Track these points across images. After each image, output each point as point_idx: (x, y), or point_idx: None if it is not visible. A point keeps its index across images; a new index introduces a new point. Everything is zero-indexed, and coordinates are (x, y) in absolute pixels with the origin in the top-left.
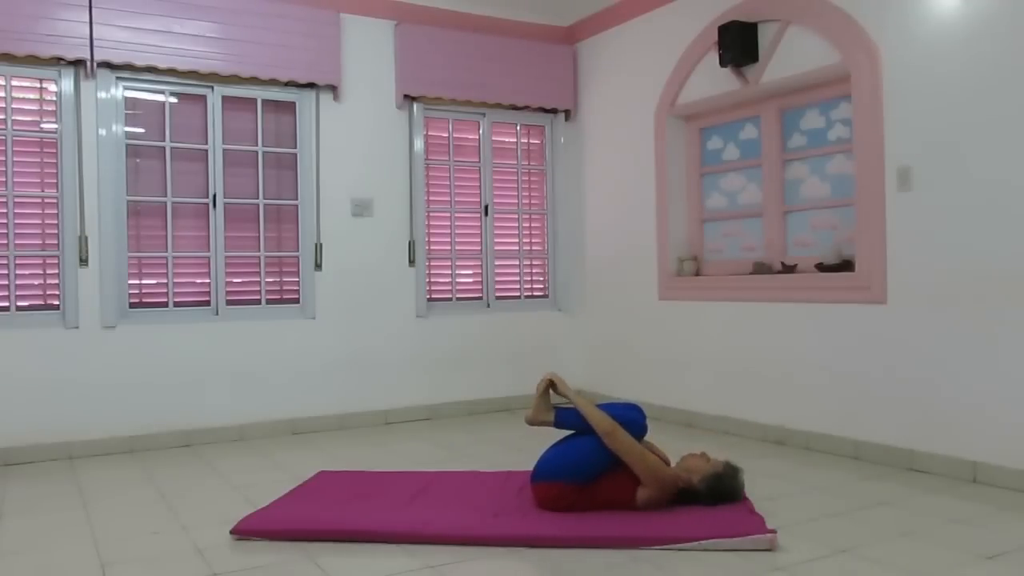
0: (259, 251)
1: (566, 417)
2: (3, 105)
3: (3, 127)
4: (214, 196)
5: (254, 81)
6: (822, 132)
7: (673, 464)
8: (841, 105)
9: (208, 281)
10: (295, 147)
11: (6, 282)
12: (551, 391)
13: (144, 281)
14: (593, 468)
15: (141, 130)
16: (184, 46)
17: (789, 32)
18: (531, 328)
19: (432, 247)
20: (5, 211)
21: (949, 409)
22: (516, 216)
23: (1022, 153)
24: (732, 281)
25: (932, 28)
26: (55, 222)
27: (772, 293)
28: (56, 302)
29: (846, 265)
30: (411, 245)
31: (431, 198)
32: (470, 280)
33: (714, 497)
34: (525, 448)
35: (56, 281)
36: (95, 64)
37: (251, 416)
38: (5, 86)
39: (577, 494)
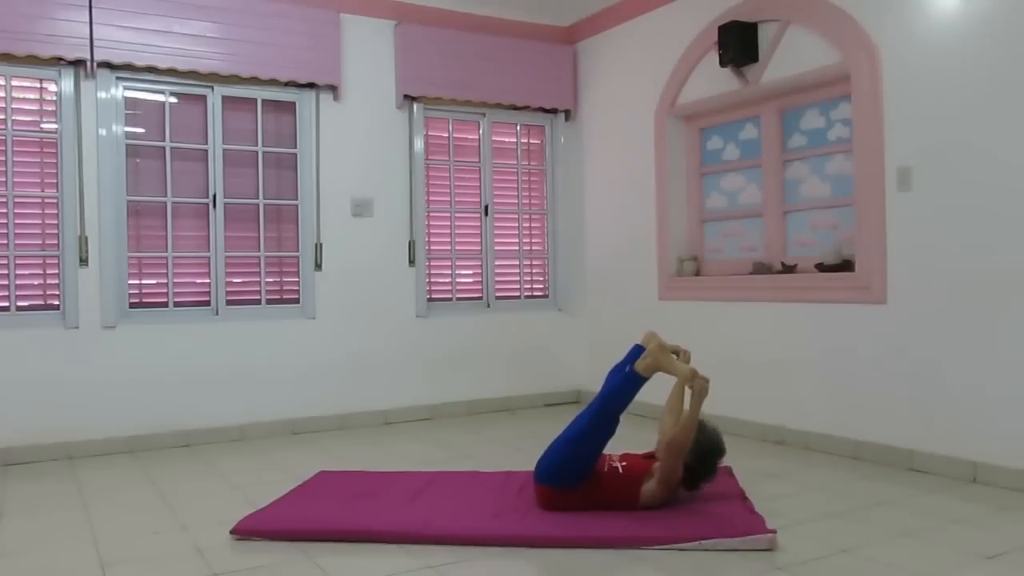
0: (259, 251)
1: (628, 387)
2: (3, 105)
3: (3, 127)
4: (214, 196)
5: (254, 81)
6: (822, 132)
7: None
8: (841, 105)
9: (208, 281)
10: (295, 147)
11: (6, 282)
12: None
13: (144, 281)
14: (587, 464)
15: (141, 130)
16: (184, 46)
17: (789, 32)
18: (531, 328)
19: (432, 247)
20: (5, 211)
21: (949, 409)
22: (516, 216)
23: (1022, 152)
24: (732, 281)
25: (932, 28)
26: (55, 222)
27: (772, 293)
28: (56, 302)
29: (846, 265)
30: (411, 245)
31: (431, 198)
32: (470, 280)
33: (702, 457)
34: (525, 448)
35: (56, 281)
36: (95, 64)
37: (251, 416)
38: (5, 86)
39: (577, 495)
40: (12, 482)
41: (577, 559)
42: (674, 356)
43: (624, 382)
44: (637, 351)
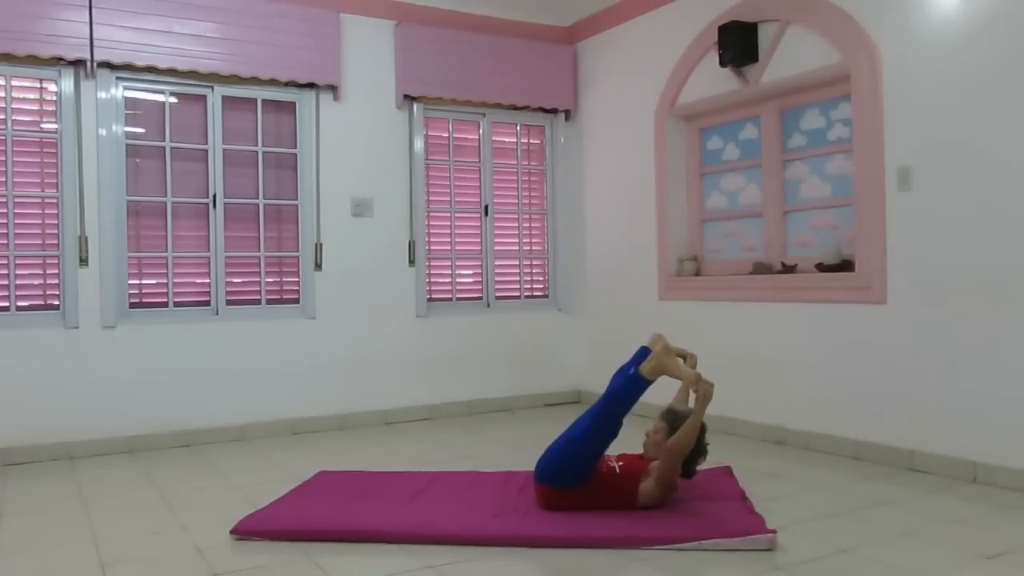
0: (259, 251)
1: (632, 388)
2: (3, 105)
3: (3, 127)
4: (214, 196)
5: (254, 81)
6: (822, 132)
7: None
8: (841, 105)
9: (208, 281)
10: (295, 147)
11: (6, 282)
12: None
13: (144, 281)
14: (588, 464)
15: (141, 130)
16: (184, 46)
17: (789, 32)
18: (531, 328)
19: (432, 247)
20: (5, 211)
21: (949, 409)
22: (516, 216)
23: (1022, 152)
24: (732, 281)
25: (932, 28)
26: (55, 222)
27: (772, 293)
28: (56, 302)
29: (846, 265)
30: (411, 245)
31: (431, 198)
32: (470, 280)
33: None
34: (525, 448)
35: (56, 281)
36: (95, 64)
37: (251, 416)
38: (5, 86)
39: (577, 495)
40: (12, 482)
41: (577, 559)
42: (681, 360)
43: (628, 384)
44: (643, 353)
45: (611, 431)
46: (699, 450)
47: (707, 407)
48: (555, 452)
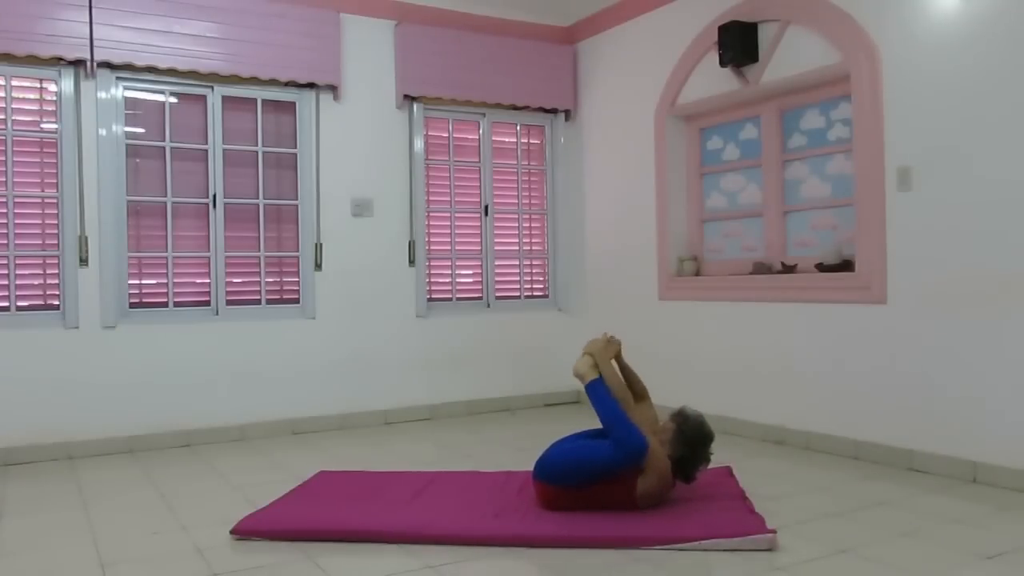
0: (259, 251)
1: (597, 393)
2: (3, 105)
3: (3, 127)
4: (214, 196)
5: (254, 81)
6: (822, 132)
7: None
8: (841, 105)
9: (208, 281)
10: (295, 147)
11: (6, 282)
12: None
13: (144, 281)
14: (593, 476)
15: (141, 130)
16: (184, 46)
17: (789, 32)
18: (531, 328)
19: (432, 247)
20: (5, 211)
21: (949, 409)
22: (516, 216)
23: (1022, 153)
24: (732, 281)
25: (932, 28)
26: (55, 222)
27: (772, 293)
28: (56, 302)
29: (846, 265)
30: (411, 245)
31: (431, 198)
32: (470, 280)
33: (692, 447)
34: (525, 448)
35: (56, 281)
36: (95, 64)
37: (251, 416)
38: (5, 86)
39: (576, 496)
40: (12, 482)
41: (577, 559)
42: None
43: (592, 401)
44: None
45: (635, 460)
46: (702, 457)
47: (602, 351)
48: (569, 457)
